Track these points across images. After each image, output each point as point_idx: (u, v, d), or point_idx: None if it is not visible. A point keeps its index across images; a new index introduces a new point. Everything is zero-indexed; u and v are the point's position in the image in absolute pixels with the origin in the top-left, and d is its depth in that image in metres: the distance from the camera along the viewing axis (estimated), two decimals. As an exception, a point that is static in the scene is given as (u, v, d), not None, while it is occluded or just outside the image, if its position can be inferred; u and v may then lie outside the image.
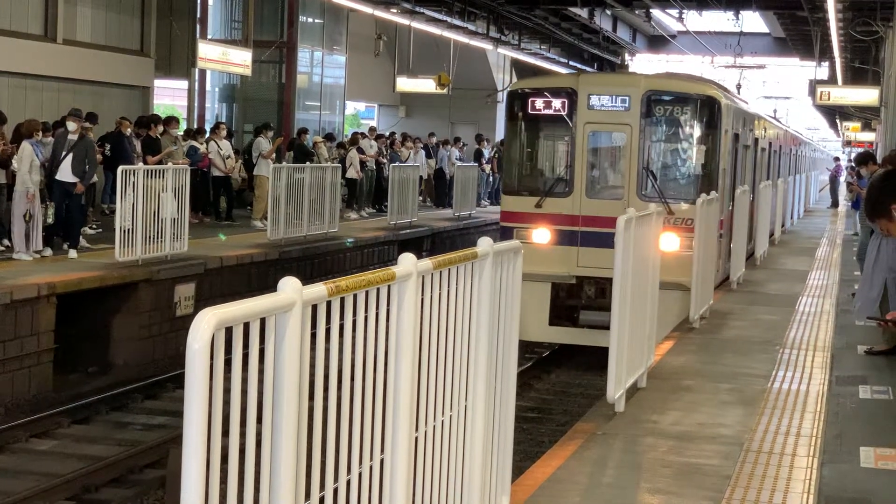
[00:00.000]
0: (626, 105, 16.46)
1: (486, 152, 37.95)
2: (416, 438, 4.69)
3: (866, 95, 33.11)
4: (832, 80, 39.85)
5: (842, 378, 10.62)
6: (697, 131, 16.91)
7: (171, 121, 22.99)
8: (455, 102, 41.55)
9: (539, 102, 16.92)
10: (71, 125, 17.45)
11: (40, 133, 17.24)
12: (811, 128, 77.42)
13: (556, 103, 16.80)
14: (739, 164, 19.22)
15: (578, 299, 16.51)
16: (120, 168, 17.32)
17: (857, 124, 49.89)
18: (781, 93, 59.02)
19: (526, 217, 16.65)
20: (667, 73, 28.24)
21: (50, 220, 17.01)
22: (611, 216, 15.30)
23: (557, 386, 17.14)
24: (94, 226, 20.50)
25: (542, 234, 16.62)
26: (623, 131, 16.56)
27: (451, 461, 5.12)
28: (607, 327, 14.58)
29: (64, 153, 17.14)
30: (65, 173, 17.14)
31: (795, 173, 34.99)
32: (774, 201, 24.85)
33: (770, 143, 25.44)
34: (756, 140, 21.95)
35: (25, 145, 16.59)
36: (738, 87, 41.30)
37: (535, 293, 16.18)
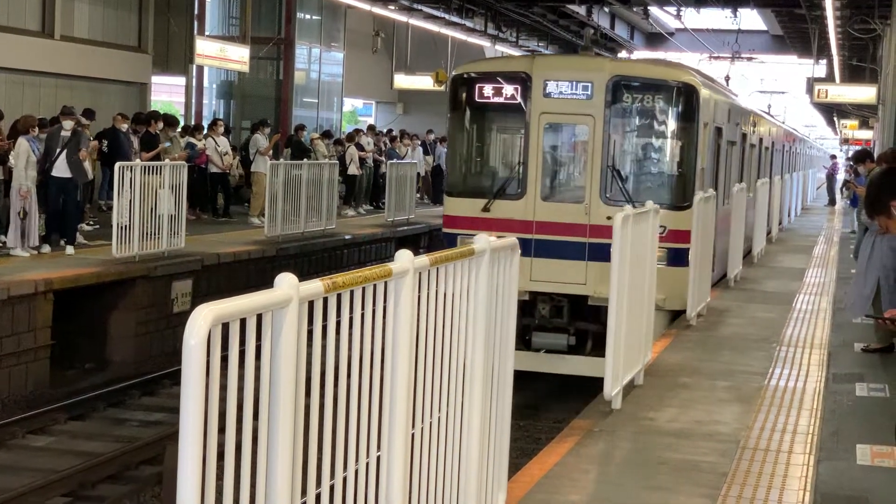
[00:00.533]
0: (589, 93, 14.36)
1: None
2: (413, 435, 4.69)
3: (864, 93, 33.12)
4: (830, 78, 39.86)
5: (838, 375, 10.63)
6: (672, 124, 14.81)
7: (171, 120, 22.99)
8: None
9: (487, 89, 14.84)
10: (66, 123, 17.44)
11: (36, 129, 17.23)
12: (808, 125, 77.39)
13: (508, 90, 14.72)
14: (724, 162, 17.40)
15: (531, 318, 14.33)
16: (117, 164, 17.32)
17: (855, 122, 49.90)
18: (777, 89, 58.85)
19: (471, 222, 14.46)
20: (641, 59, 26.92)
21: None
22: (569, 222, 14.15)
23: (554, 382, 17.14)
24: (91, 222, 20.49)
25: None
26: (585, 123, 14.45)
27: (447, 458, 5.12)
28: (564, 351, 14.23)
29: (59, 150, 17.12)
30: (60, 170, 17.12)
31: (790, 172, 33.42)
32: (765, 201, 24.80)
33: (761, 140, 23.83)
34: (744, 136, 20.19)
35: (22, 141, 16.58)
36: (727, 79, 39.43)
37: None
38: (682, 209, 13.90)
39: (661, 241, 12.83)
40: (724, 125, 16.99)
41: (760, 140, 23.52)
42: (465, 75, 15.26)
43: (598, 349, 13.77)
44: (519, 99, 14.59)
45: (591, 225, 14.15)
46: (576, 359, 14.06)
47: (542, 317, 14.49)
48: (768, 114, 33.60)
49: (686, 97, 14.54)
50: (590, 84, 14.34)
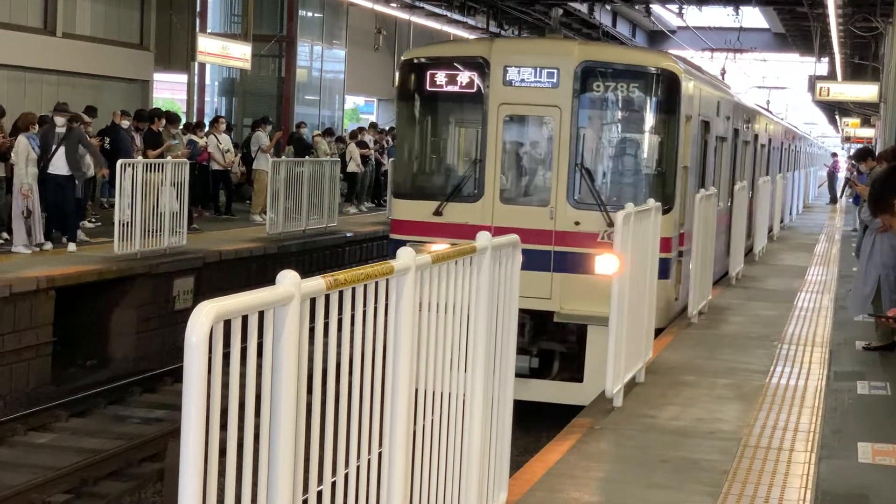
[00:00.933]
0: (555, 80, 12.77)
1: None
2: (414, 432, 4.70)
3: (865, 91, 33.11)
4: (832, 76, 39.85)
5: (840, 374, 10.63)
6: (650, 116, 13.17)
7: (173, 118, 23.01)
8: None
9: (440, 76, 13.13)
10: (59, 120, 17.42)
11: (36, 126, 17.23)
12: (809, 122, 77.33)
13: (463, 77, 13.04)
14: (712, 160, 15.95)
15: None
16: (119, 162, 17.33)
17: (857, 120, 49.90)
18: (778, 86, 58.65)
19: (422, 228, 12.97)
20: (615, 44, 23.05)
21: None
22: (533, 228, 12.39)
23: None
24: (93, 219, 20.51)
25: None
26: (550, 115, 12.89)
27: (448, 455, 5.12)
28: (526, 374, 12.48)
29: (54, 147, 17.11)
30: (57, 167, 17.10)
31: (789, 170, 32.28)
32: (766, 200, 24.75)
33: (756, 136, 22.30)
34: (736, 131, 18.66)
35: (21, 139, 16.57)
36: (723, 72, 37.89)
37: None
38: (662, 213, 12.16)
39: None
40: (713, 119, 15.58)
41: (756, 137, 22.15)
42: (416, 60, 13.53)
43: (566, 372, 12.97)
44: (476, 87, 12.99)
45: (556, 231, 12.79)
46: (540, 383, 12.69)
47: None
48: (766, 110, 32.04)
49: (666, 86, 12.95)
50: (556, 70, 12.76)
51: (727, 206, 17.54)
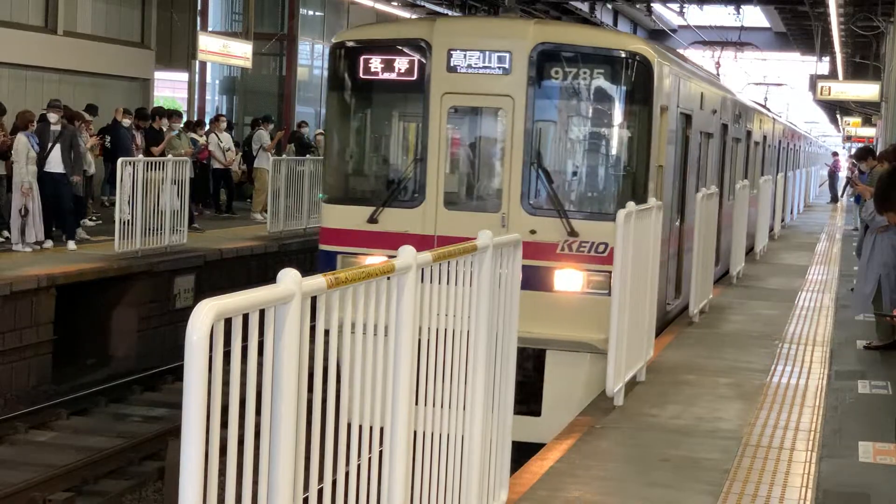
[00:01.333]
0: (506, 66, 11.20)
1: None
2: (415, 431, 4.69)
3: (867, 90, 33.09)
4: (833, 75, 39.84)
5: (841, 373, 10.63)
6: (617, 107, 11.52)
7: (173, 115, 23.01)
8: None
9: (375, 62, 11.53)
10: (52, 116, 17.40)
11: (35, 124, 17.23)
12: (810, 121, 77.29)
13: (401, 63, 11.47)
14: (695, 158, 14.41)
15: None
16: (119, 160, 17.33)
17: (858, 119, 49.89)
18: (775, 83, 58.44)
19: (354, 237, 11.49)
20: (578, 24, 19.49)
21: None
22: None
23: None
24: (93, 217, 20.51)
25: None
26: (501, 107, 11.34)
27: (449, 453, 5.12)
28: None
29: (50, 145, 17.10)
30: (53, 165, 17.08)
31: (788, 170, 30.92)
32: (767, 199, 24.70)
33: (749, 133, 20.69)
34: (725, 127, 17.09)
35: (20, 137, 16.56)
36: (717, 66, 35.69)
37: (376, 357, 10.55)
38: None
39: (601, 264, 10.76)
40: (696, 113, 13.98)
41: (748, 133, 20.54)
42: (347, 44, 11.85)
43: (521, 405, 10.56)
44: (416, 75, 11.43)
45: None
46: None
47: None
48: (763, 106, 29.66)
49: (636, 72, 11.25)
50: (507, 55, 11.18)
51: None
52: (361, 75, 11.67)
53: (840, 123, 61.24)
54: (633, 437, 8.05)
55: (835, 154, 54.75)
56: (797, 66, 50.91)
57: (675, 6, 35.00)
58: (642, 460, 7.46)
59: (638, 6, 37.88)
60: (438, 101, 11.34)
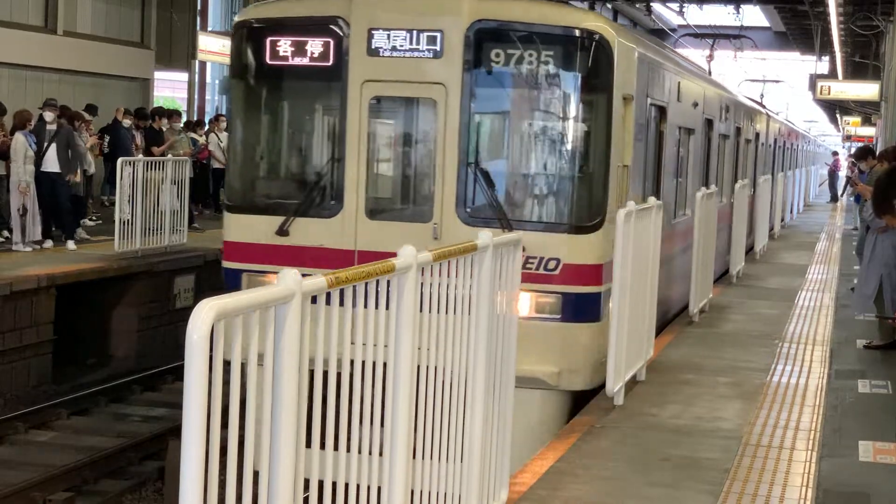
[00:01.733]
0: (438, 48, 9.54)
1: None
2: (416, 430, 4.70)
3: (866, 90, 33.11)
4: (832, 75, 39.85)
5: (841, 372, 10.63)
6: (570, 97, 9.79)
7: (173, 114, 23.02)
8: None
9: (284, 44, 9.88)
10: (48, 115, 17.40)
11: (32, 124, 17.23)
12: (810, 120, 77.26)
13: (314, 46, 9.80)
14: (672, 157, 12.70)
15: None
16: (119, 160, 17.33)
17: (858, 119, 49.91)
18: (775, 81, 58.19)
19: (262, 253, 9.90)
20: None
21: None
22: None
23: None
24: (93, 217, 20.51)
25: None
26: (433, 96, 9.67)
27: (450, 453, 5.12)
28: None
29: (46, 144, 17.09)
30: (49, 164, 17.07)
31: (783, 170, 29.40)
32: (767, 200, 24.70)
33: (739, 130, 18.92)
34: (710, 122, 15.43)
35: (18, 136, 16.57)
36: (710, 58, 32.07)
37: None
38: (587, 231, 9.46)
39: (551, 283, 9.36)
40: (672, 105, 12.33)
41: (738, 130, 18.80)
42: (251, 24, 10.20)
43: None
44: (331, 59, 9.77)
45: None
46: (424, 465, 8.76)
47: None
48: (758, 103, 27.77)
49: (593, 54, 9.55)
50: (439, 34, 9.52)
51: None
52: (268, 61, 9.98)
53: (840, 123, 61.25)
54: (633, 437, 8.05)
55: (835, 153, 54.76)
56: (797, 66, 50.92)
57: (675, 6, 35.00)
58: (642, 460, 7.46)
59: (637, 6, 37.88)
60: (358, 91, 9.67)
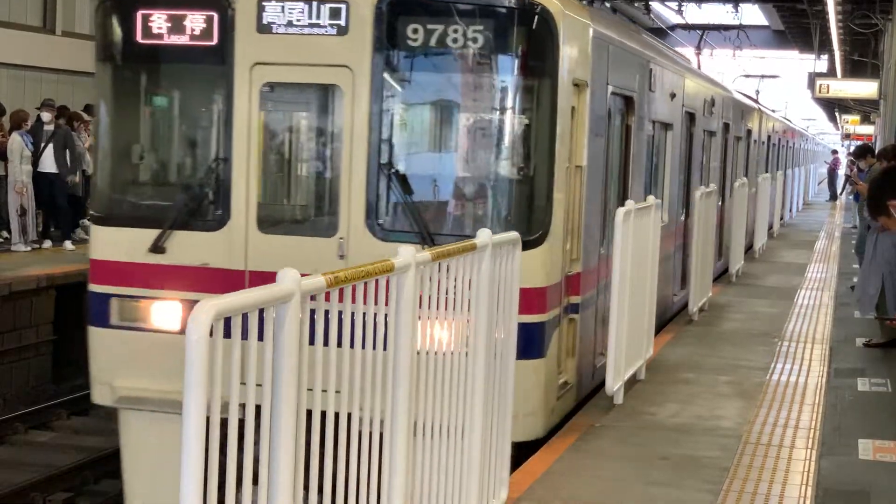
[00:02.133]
0: (342, 22, 7.89)
1: None
2: (415, 430, 4.70)
3: (865, 88, 33.10)
4: (831, 73, 39.85)
5: (840, 370, 10.64)
6: (505, 82, 8.05)
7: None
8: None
9: (157, 20, 8.17)
10: (45, 115, 17.39)
11: (29, 124, 17.23)
12: (808, 118, 77.20)
13: (194, 21, 8.12)
14: (642, 156, 10.98)
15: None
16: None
17: (857, 117, 49.91)
18: (773, 81, 57.89)
19: (134, 273, 8.28)
20: None
21: None
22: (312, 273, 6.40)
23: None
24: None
25: (167, 314, 8.17)
26: (336, 83, 7.98)
27: (449, 453, 5.12)
28: None
29: (43, 145, 17.09)
30: (46, 164, 17.07)
31: (779, 169, 28.26)
32: (766, 199, 24.66)
33: (728, 126, 17.49)
34: (691, 117, 13.86)
35: (15, 136, 16.57)
36: (698, 51, 30.61)
37: (163, 440, 7.98)
38: (528, 246, 7.09)
39: None
40: (642, 94, 10.71)
41: (726, 126, 17.35)
42: None
43: None
44: (215, 37, 8.08)
45: None
46: None
47: None
48: (753, 99, 26.19)
49: (533, 30, 7.92)
50: (343, 6, 7.87)
51: (677, 222, 13.48)
52: (140, 39, 8.25)
53: (839, 121, 61.27)
54: (632, 436, 8.05)
55: (834, 152, 54.73)
56: (796, 64, 50.94)
57: (674, 5, 34.97)
58: (642, 459, 7.46)
59: (636, 4, 37.87)
60: (247, 76, 8.04)
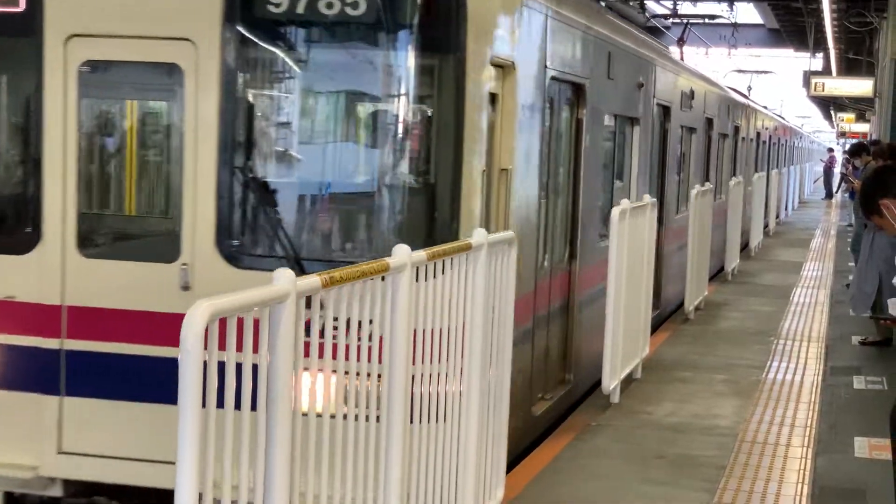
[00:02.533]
0: None
1: None
2: (411, 428, 4.70)
3: (860, 87, 33.12)
4: (826, 72, 39.88)
5: (836, 369, 10.65)
6: (394, 60, 6.22)
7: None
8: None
9: None
10: None
11: None
12: (803, 116, 77.23)
13: None
14: (598, 157, 9.33)
15: None
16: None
17: (852, 115, 49.94)
18: (768, 79, 57.64)
19: None
20: None
21: None
22: (147, 309, 6.15)
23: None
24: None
25: None
26: (175, 61, 6.20)
27: (445, 451, 5.12)
28: None
29: None
30: None
31: (772, 168, 27.31)
32: (762, 198, 24.66)
33: (711, 122, 16.07)
34: (666, 110, 12.42)
35: None
36: (681, 42, 25.99)
37: None
38: None
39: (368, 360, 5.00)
40: (595, 82, 8.88)
41: (710, 122, 15.96)
42: None
43: None
44: (21, 2, 6.29)
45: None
46: None
47: None
48: (742, 95, 24.78)
49: None
50: None
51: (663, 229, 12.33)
52: None
53: (834, 119, 61.33)
54: (629, 435, 8.06)
55: (830, 150, 54.78)
56: (791, 62, 50.97)
57: (668, 3, 34.98)
58: (638, 457, 7.47)
59: (631, 3, 37.85)
60: (60, 51, 6.24)
